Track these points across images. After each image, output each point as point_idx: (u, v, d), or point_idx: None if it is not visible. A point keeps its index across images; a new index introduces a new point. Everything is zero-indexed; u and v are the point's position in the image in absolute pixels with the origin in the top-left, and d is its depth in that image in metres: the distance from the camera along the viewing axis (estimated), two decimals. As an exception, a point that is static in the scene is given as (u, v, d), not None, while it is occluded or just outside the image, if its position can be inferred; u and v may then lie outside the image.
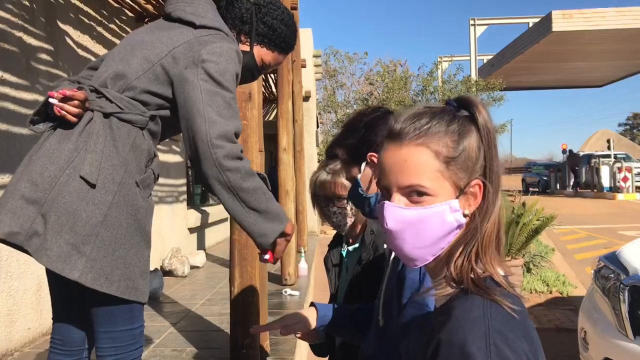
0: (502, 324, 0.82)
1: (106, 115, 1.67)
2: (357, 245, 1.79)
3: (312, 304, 1.62)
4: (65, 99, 1.62)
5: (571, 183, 25.11)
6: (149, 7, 5.45)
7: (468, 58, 31.51)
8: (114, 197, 1.63)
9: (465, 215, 0.92)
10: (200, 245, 8.48)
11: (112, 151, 1.66)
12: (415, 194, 0.91)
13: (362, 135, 1.51)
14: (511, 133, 78.43)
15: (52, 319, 1.85)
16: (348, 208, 1.76)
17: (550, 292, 6.54)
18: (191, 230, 7.95)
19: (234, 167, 1.64)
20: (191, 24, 1.79)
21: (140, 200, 1.70)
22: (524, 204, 6.80)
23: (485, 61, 34.98)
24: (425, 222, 0.91)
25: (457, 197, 0.91)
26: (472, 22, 31.91)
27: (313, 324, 1.57)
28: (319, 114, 21.42)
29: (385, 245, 1.59)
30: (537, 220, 6.69)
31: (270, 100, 10.93)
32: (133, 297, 1.66)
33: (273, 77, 8.86)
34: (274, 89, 9.39)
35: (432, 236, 0.91)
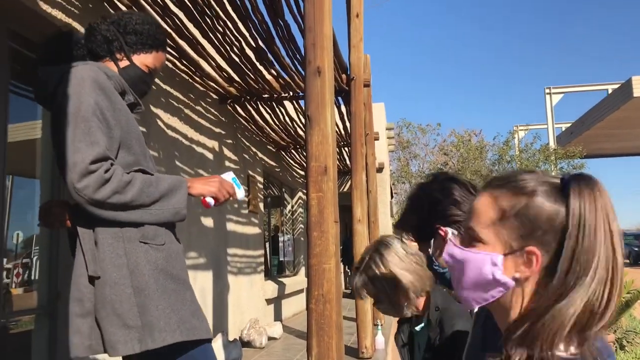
0: None
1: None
2: (423, 324, 1.80)
3: None
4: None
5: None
6: (232, 89, 5.85)
7: (545, 126, 30.91)
8: (127, 268, 1.72)
9: (514, 279, 0.92)
10: (277, 316, 8.54)
11: (102, 233, 1.74)
12: (471, 237, 0.96)
13: (425, 215, 1.51)
14: (596, 202, 74.77)
15: None
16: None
17: (648, 372, 6.07)
18: (268, 301, 8.04)
19: (110, 192, 1.66)
20: (51, 98, 1.82)
21: (153, 253, 1.77)
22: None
23: (563, 129, 34.16)
24: (466, 265, 0.95)
25: (504, 255, 0.92)
26: (547, 90, 31.51)
27: None
28: (393, 184, 21.45)
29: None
30: (628, 293, 6.34)
31: (344, 172, 11.14)
32: (197, 335, 1.74)
33: (347, 150, 9.07)
34: (348, 162, 9.59)
35: (470, 281, 0.95)
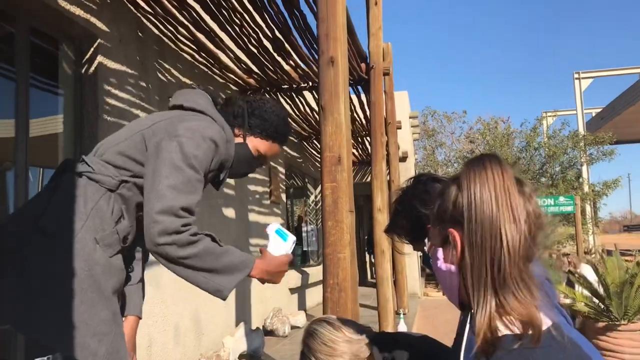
0: None
1: (79, 175, 1.77)
2: None
3: None
4: None
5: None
6: (251, 81, 5.88)
7: (574, 112, 30.30)
8: (68, 247, 1.65)
9: (454, 264, 0.99)
10: (301, 305, 8.61)
11: (77, 206, 1.71)
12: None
13: (416, 217, 1.58)
14: (630, 188, 73.37)
15: None
16: None
17: (677, 361, 5.95)
18: (292, 290, 8.11)
19: (169, 241, 1.66)
20: (180, 107, 1.96)
21: (98, 256, 1.69)
22: (638, 264, 6.34)
23: (593, 115, 33.46)
24: (433, 265, 1.08)
25: (442, 248, 1.02)
26: (576, 75, 30.85)
27: None
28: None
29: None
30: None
31: (367, 163, 11.11)
32: (81, 357, 1.60)
33: (369, 140, 9.06)
34: (370, 151, 9.57)
35: (437, 278, 1.07)
